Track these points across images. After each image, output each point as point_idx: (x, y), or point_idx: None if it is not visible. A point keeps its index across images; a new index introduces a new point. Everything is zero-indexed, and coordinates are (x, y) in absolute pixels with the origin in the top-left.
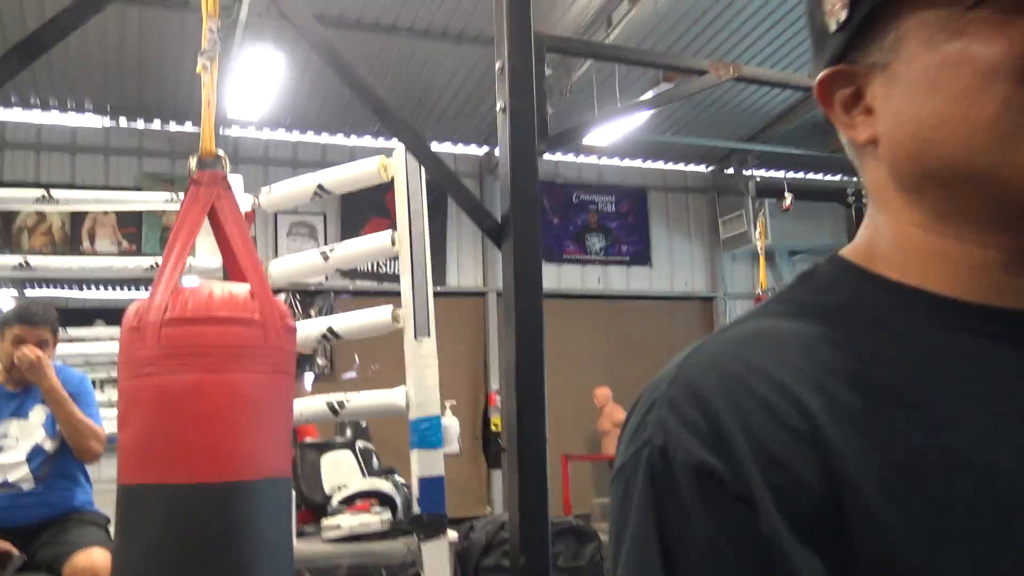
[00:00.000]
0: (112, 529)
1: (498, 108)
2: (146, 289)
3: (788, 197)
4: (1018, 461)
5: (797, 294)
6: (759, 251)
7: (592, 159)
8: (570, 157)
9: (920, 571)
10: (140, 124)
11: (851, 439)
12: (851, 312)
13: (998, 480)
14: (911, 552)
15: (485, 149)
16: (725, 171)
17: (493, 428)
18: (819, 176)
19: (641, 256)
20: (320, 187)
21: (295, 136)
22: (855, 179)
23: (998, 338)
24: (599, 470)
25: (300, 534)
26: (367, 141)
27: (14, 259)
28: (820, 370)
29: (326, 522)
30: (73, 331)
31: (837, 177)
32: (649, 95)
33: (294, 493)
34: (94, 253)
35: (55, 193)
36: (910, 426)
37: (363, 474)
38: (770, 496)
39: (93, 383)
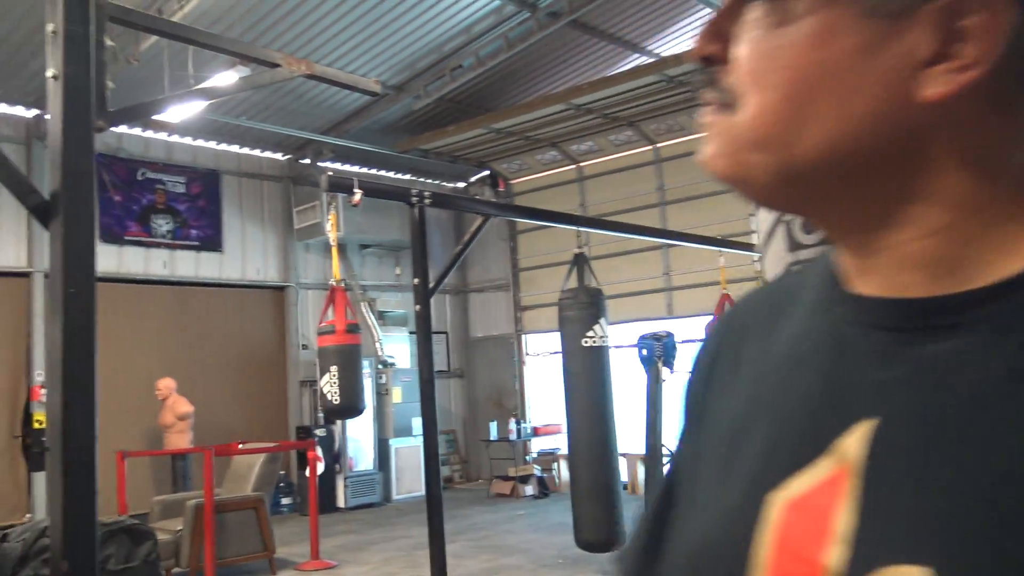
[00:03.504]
0: None
1: (49, 75)
2: None
3: (357, 193)
4: (744, 408)
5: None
6: (331, 242)
7: (162, 135)
8: (136, 131)
9: (687, 492)
10: None
11: (719, 373)
12: (811, 275)
13: (727, 425)
14: (685, 474)
15: (35, 112)
16: (300, 161)
17: (36, 425)
18: (390, 173)
19: (212, 241)
20: None
21: None
22: (421, 179)
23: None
24: (160, 465)
25: None
26: None
27: None
28: (746, 319)
29: None
30: None
31: (406, 176)
32: (221, 78)
33: None
34: None
35: None
36: (724, 379)
37: None
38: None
39: None
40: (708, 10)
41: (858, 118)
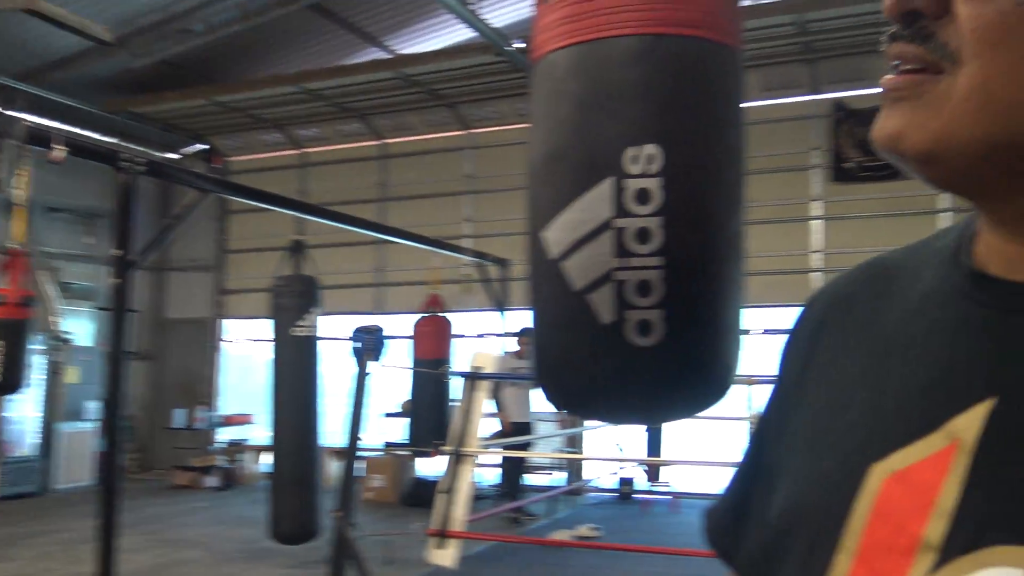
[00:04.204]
0: None
1: None
2: None
3: (62, 150)
4: (851, 378)
5: (942, 231)
6: (17, 202)
7: None
8: None
9: (782, 456)
10: None
11: (823, 342)
12: (926, 254)
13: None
14: (775, 439)
15: None
16: None
17: None
18: (90, 133)
19: None
20: None
21: None
22: (130, 144)
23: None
24: None
25: None
26: None
27: None
28: (854, 289)
29: None
30: None
31: (109, 139)
32: None
33: None
34: None
35: None
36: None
37: None
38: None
39: None
40: (450, 15)
41: None
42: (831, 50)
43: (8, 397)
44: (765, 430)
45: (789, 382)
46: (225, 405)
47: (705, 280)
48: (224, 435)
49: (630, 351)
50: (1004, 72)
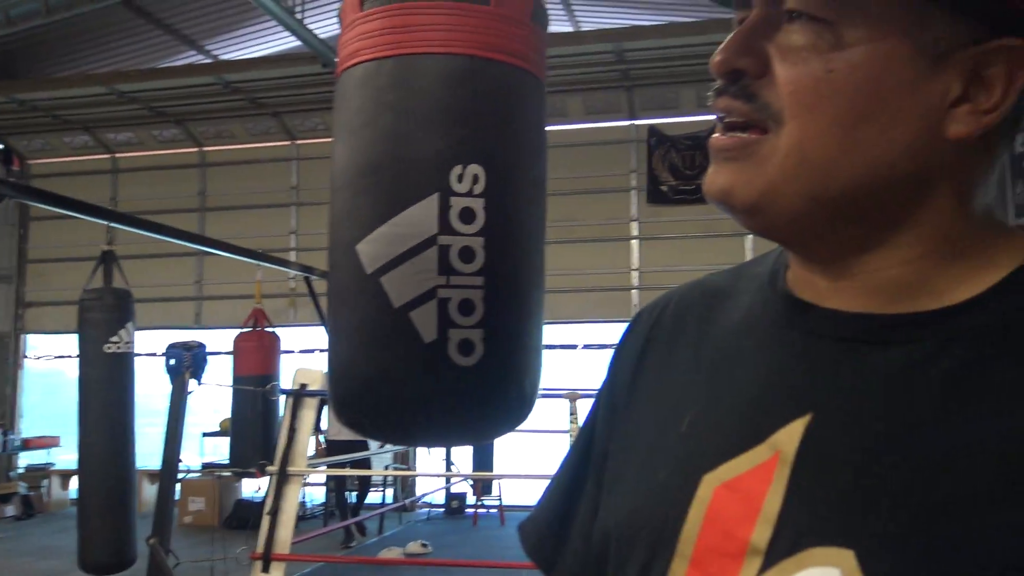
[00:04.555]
0: None
1: None
2: None
3: None
4: (680, 394)
5: (758, 258)
6: None
7: None
8: None
9: (610, 468)
10: None
11: (651, 359)
12: (745, 278)
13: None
14: (601, 452)
15: None
16: None
17: None
18: None
19: None
20: None
21: None
22: None
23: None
24: None
25: None
26: None
27: None
28: (680, 311)
29: None
30: None
31: None
32: None
33: None
34: None
35: None
36: (664, 360)
37: None
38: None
39: None
40: (273, 22)
41: (898, 148)
42: (646, 78)
43: None
44: (588, 443)
45: (616, 395)
46: (27, 427)
47: (519, 300)
48: (25, 460)
49: (453, 370)
50: (818, 134)
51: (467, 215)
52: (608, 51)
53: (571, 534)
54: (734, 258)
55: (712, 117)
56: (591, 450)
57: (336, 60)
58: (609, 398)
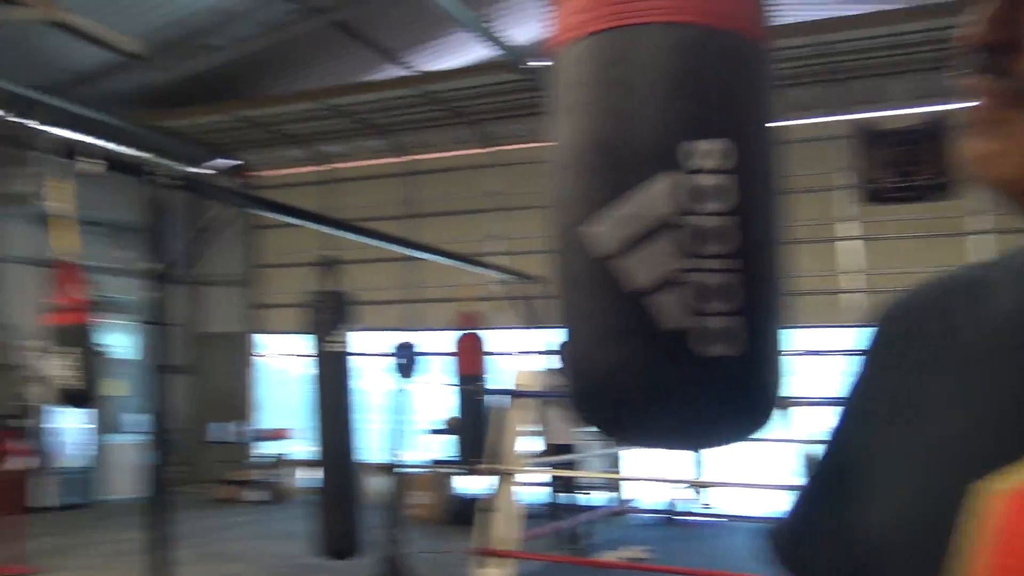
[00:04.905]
0: None
1: None
2: None
3: (98, 163)
4: (937, 396)
5: (1017, 250)
6: (58, 214)
7: None
8: None
9: (860, 474)
10: None
11: (898, 352)
12: (1001, 272)
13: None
14: (851, 457)
15: None
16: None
17: None
18: (108, 145)
19: None
20: None
21: None
22: (143, 155)
23: None
24: None
25: None
26: None
27: None
28: (928, 308)
29: None
30: None
31: (128, 151)
32: None
33: None
34: None
35: None
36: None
37: None
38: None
39: None
40: (465, 31)
41: None
42: (852, 71)
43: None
44: (838, 450)
45: (864, 401)
46: (262, 419)
47: (774, 287)
48: (261, 449)
49: (697, 362)
50: None
51: (716, 193)
52: (809, 43)
53: (826, 544)
54: (952, 260)
55: (923, 109)
56: (841, 457)
57: (526, 65)
58: (856, 404)
